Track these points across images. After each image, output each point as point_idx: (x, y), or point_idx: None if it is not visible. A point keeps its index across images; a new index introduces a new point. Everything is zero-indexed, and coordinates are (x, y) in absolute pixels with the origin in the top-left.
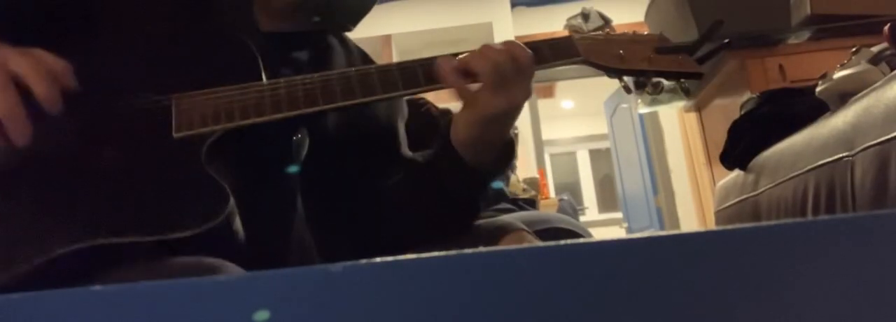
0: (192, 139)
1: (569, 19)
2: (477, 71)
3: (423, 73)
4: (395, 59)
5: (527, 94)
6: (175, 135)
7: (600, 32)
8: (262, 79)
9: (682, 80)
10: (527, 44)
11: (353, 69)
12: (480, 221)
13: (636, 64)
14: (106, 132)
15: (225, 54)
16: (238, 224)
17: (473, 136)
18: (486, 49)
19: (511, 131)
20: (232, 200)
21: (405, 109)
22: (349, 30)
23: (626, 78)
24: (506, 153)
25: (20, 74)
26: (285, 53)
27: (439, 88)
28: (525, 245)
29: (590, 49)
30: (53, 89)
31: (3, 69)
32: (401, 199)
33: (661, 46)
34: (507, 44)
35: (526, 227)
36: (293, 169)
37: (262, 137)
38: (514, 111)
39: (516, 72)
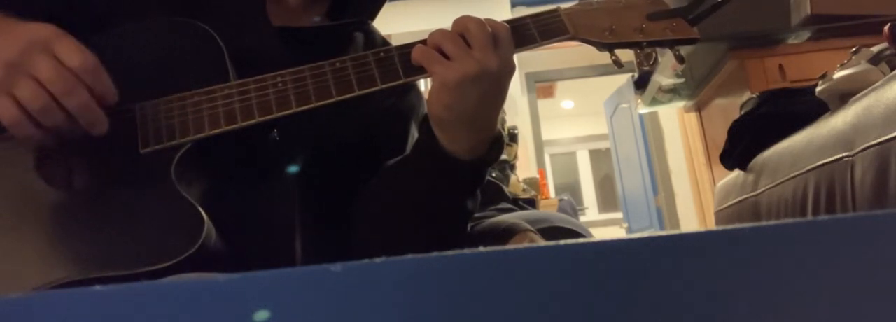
0: (160, 152)
1: None
2: (447, 35)
3: (401, 62)
4: None
5: (500, 61)
6: (141, 150)
7: (589, 1)
8: (228, 73)
9: (677, 47)
10: (514, 20)
11: (327, 63)
12: (487, 221)
13: (628, 36)
14: (72, 151)
15: (188, 48)
16: (218, 241)
17: (445, 103)
18: (457, 19)
19: (500, 124)
20: (207, 223)
21: (423, 107)
22: (367, 23)
23: (617, 51)
24: (490, 146)
25: (42, 81)
26: (299, 48)
27: (420, 78)
28: (526, 244)
29: (578, 24)
30: (86, 103)
31: (21, 74)
32: (380, 198)
33: (654, 12)
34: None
35: (531, 228)
36: (293, 169)
37: (235, 140)
38: (484, 75)
39: (483, 34)
